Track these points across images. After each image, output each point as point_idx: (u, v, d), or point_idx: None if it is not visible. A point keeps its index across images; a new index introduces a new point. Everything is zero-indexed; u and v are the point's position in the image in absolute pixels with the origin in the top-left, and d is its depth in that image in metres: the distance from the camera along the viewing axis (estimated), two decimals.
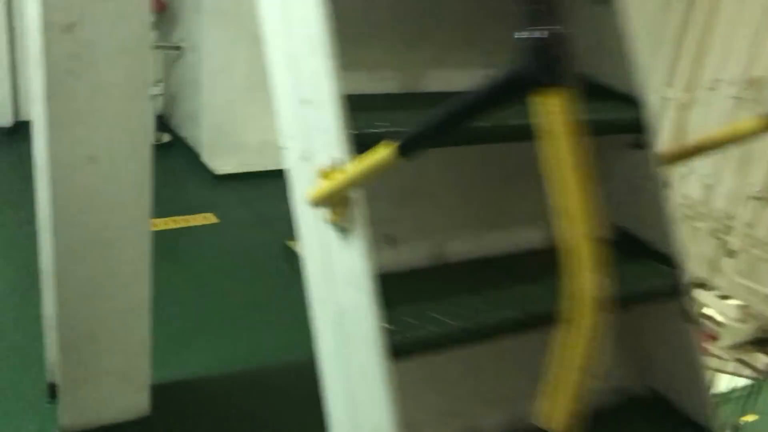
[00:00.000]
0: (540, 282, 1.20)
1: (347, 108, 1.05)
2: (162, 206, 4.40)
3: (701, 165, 4.05)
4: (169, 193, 4.57)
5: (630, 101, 1.31)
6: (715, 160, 3.98)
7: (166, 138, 5.41)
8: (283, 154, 1.32)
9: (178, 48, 5.15)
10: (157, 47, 5.03)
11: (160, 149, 5.21)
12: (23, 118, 5.19)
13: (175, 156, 5.22)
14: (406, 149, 0.92)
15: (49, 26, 2.00)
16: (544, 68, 0.73)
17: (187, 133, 5.33)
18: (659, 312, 1.33)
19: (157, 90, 5.10)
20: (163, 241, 3.31)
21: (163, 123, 5.49)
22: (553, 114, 0.75)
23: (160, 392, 2.64)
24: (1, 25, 4.85)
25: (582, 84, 1.26)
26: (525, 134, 0.93)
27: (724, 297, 3.95)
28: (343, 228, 1.10)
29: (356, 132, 1.06)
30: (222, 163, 5.04)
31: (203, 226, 4.29)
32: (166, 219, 4.27)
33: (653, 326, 1.37)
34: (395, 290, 1.08)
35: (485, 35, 1.40)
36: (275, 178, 5.31)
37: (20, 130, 5.16)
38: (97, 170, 2.23)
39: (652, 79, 4.12)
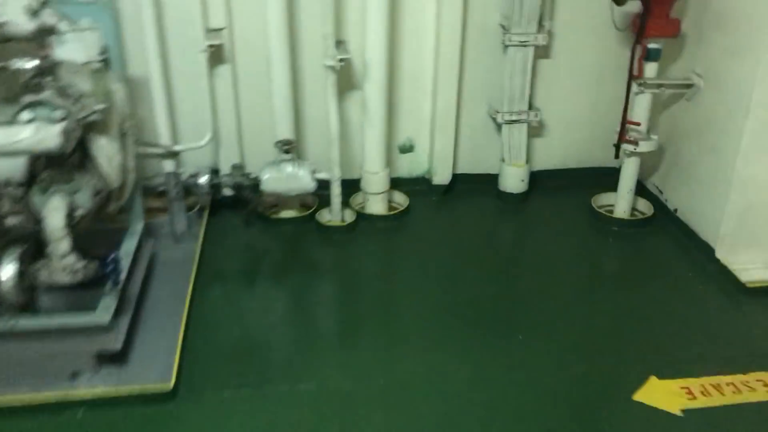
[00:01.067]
0: None
1: None
2: (671, 344, 2.83)
3: None
4: (659, 313, 2.97)
5: None
6: None
7: (644, 209, 3.79)
8: None
9: (688, 86, 3.44)
10: (654, 86, 3.39)
11: (630, 227, 3.64)
12: (460, 170, 4.03)
13: (659, 242, 3.56)
14: None
15: None
16: None
17: (684, 207, 3.62)
18: None
19: (644, 140, 3.48)
20: None
21: (642, 186, 3.85)
22: None
23: None
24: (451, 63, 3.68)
25: None
26: None
27: None
28: None
29: None
30: (754, 269, 3.25)
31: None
32: (687, 380, 2.65)
33: None
34: None
35: None
36: None
37: (455, 185, 4.01)
38: None
39: None
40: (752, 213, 3.23)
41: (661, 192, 3.84)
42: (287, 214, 3.68)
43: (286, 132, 3.52)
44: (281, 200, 3.65)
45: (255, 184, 3.46)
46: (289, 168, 3.45)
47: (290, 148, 3.47)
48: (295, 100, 3.57)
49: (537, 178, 4.03)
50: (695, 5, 3.37)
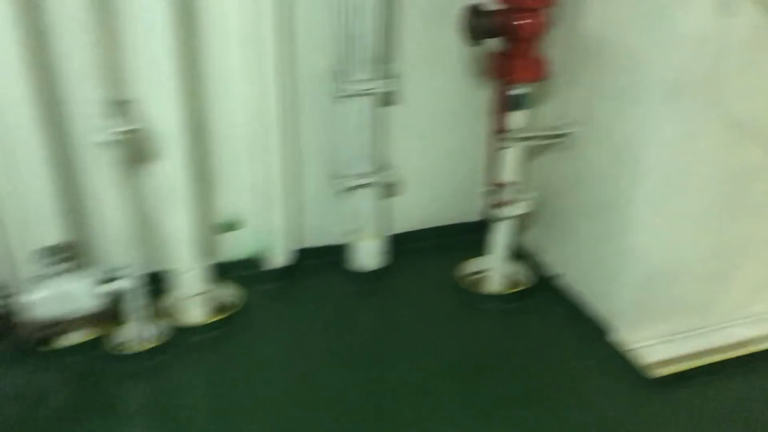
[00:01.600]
0: None
1: None
2: None
3: None
4: (551, 416, 2.38)
5: None
6: None
7: (522, 276, 3.22)
8: None
9: (562, 135, 2.88)
10: (522, 138, 2.80)
11: (508, 302, 3.06)
12: (306, 244, 3.27)
13: (543, 320, 3.00)
14: None
15: None
16: None
17: (570, 273, 3.08)
18: None
19: (518, 200, 2.90)
20: None
21: (518, 248, 3.29)
22: None
23: None
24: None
25: None
26: None
27: None
28: None
29: None
30: (659, 351, 2.75)
31: None
32: None
33: None
34: None
35: None
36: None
37: (301, 264, 3.25)
38: None
39: None
40: (652, 283, 2.72)
41: (540, 255, 3.29)
42: (73, 339, 2.74)
43: (56, 233, 2.58)
44: (62, 323, 2.70)
45: (21, 307, 2.51)
46: (64, 283, 2.53)
47: (66, 256, 2.55)
48: (71, 185, 2.64)
49: (397, 243, 3.37)
50: (564, 39, 2.82)
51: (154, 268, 2.85)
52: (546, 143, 2.93)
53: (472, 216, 3.47)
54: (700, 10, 2.20)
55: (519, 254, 3.32)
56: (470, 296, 3.13)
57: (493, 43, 2.68)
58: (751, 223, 2.77)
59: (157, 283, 2.88)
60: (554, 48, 2.83)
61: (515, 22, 2.45)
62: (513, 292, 3.12)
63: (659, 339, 2.80)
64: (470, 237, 3.38)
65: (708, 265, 2.80)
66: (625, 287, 2.74)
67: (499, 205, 2.89)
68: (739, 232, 2.77)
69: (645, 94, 2.43)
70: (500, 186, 2.87)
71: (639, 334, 2.79)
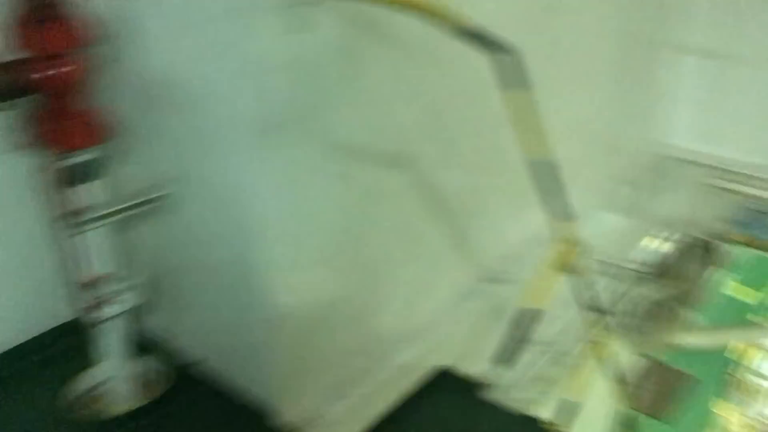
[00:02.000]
0: None
1: None
2: None
3: None
4: None
5: None
6: None
7: (158, 378, 2.58)
8: None
9: (152, 201, 2.29)
10: (99, 217, 2.16)
11: (146, 414, 2.42)
12: None
13: (193, 423, 2.43)
14: None
15: None
16: None
17: (216, 358, 2.54)
18: None
19: (124, 289, 2.27)
20: None
21: (146, 346, 2.63)
22: None
23: None
24: None
25: None
26: None
27: None
28: None
29: None
30: (332, 415, 2.38)
31: None
32: None
33: None
34: None
35: None
36: None
37: None
38: None
39: None
40: (304, 342, 2.34)
41: (173, 343, 2.68)
42: None
43: None
44: None
45: None
46: None
47: None
48: None
49: None
50: (129, 83, 2.22)
51: None
52: (138, 213, 2.31)
53: (74, 314, 2.70)
54: (268, 30, 1.81)
55: (146, 348, 2.66)
56: (90, 426, 2.38)
57: (28, 105, 1.97)
58: (390, 242, 2.57)
59: None
60: (117, 97, 2.22)
61: (36, 75, 1.78)
62: (147, 403, 2.46)
63: (329, 402, 2.44)
64: (77, 340, 2.61)
65: (358, 301, 2.52)
66: (275, 357, 2.31)
67: (96, 305, 2.20)
68: (380, 257, 2.55)
69: (236, 137, 1.99)
70: (92, 281, 2.19)
71: (306, 404, 2.38)
